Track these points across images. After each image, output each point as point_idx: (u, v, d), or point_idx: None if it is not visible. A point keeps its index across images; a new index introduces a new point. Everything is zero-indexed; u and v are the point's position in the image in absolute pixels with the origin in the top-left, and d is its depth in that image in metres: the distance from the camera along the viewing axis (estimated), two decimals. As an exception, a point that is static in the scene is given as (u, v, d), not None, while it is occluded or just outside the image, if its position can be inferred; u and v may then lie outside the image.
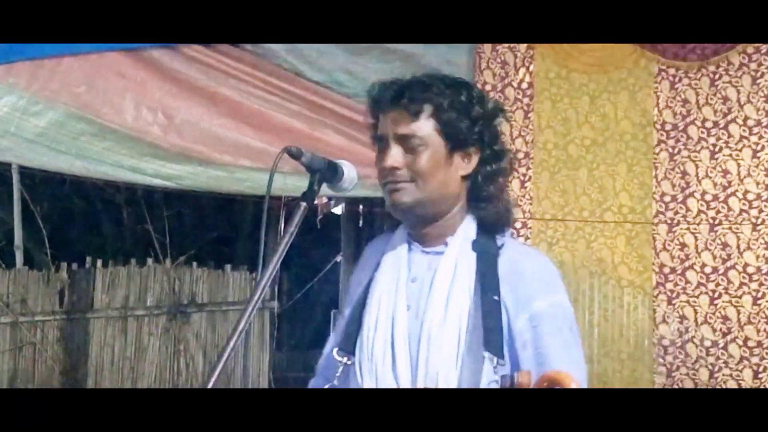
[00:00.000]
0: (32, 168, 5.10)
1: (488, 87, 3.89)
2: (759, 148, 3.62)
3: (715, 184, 3.65)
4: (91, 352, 6.64)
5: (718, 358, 3.56)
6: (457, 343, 1.65)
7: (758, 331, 3.53)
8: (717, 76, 3.69)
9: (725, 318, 3.57)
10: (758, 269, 3.57)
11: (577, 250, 3.76)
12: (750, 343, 3.53)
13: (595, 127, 3.81)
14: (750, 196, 3.61)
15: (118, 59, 3.81)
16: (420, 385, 1.69)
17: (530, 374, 1.34)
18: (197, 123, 3.93)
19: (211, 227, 10.92)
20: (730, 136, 3.66)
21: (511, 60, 3.89)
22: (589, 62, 3.82)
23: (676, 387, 3.59)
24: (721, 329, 3.57)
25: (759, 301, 3.55)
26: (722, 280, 3.59)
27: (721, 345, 3.57)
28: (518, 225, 3.80)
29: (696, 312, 3.61)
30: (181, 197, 9.03)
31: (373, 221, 7.75)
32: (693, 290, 3.63)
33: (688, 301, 3.62)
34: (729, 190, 3.63)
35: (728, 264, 3.60)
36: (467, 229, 1.75)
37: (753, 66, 3.65)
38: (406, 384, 1.71)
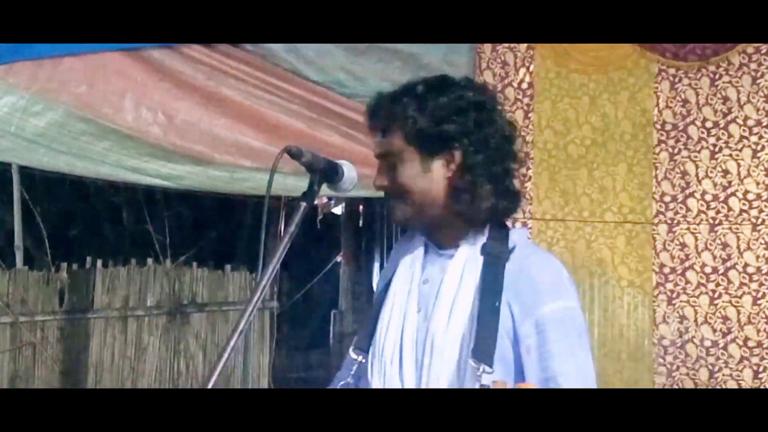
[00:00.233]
0: (32, 168, 5.10)
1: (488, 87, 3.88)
2: (759, 148, 3.63)
3: (715, 184, 3.65)
4: (91, 352, 6.63)
5: (718, 358, 3.56)
6: (459, 349, 1.64)
7: (758, 331, 3.53)
8: (717, 76, 3.69)
9: (725, 318, 3.57)
10: (758, 269, 3.57)
11: (577, 250, 3.76)
12: (750, 343, 3.53)
13: (595, 127, 3.81)
14: (750, 196, 3.61)
15: (118, 59, 3.81)
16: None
17: (505, 384, 1.35)
18: (197, 123, 3.92)
19: (211, 227, 10.92)
20: (730, 136, 3.66)
21: (511, 60, 3.89)
22: (589, 62, 3.81)
23: (676, 387, 3.59)
24: (721, 329, 3.57)
25: (759, 301, 3.55)
26: (722, 280, 3.59)
27: (721, 345, 3.57)
28: (518, 225, 3.80)
29: (696, 312, 3.61)
30: (181, 197, 9.04)
31: (373, 221, 7.75)
32: (693, 290, 3.63)
33: (688, 301, 3.62)
34: (729, 190, 3.64)
35: (728, 264, 3.60)
36: (478, 232, 1.72)
37: (753, 66, 3.65)
38: (411, 387, 1.71)
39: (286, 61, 3.90)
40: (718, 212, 3.63)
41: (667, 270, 3.67)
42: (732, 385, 3.53)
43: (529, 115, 3.85)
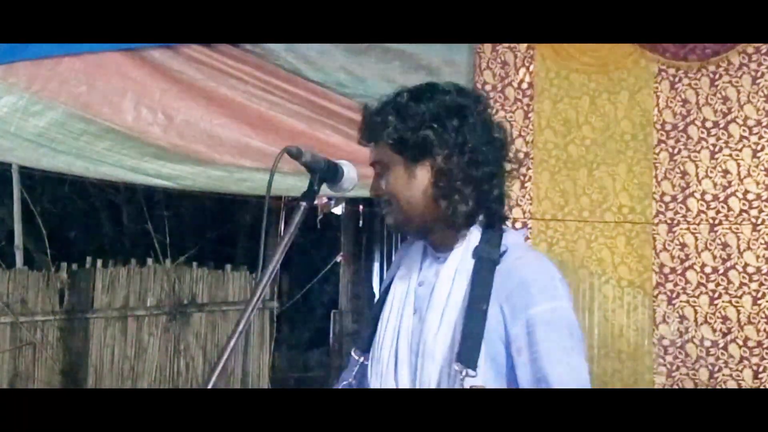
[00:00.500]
0: (32, 168, 5.10)
1: (488, 87, 3.89)
2: (759, 148, 3.63)
3: (715, 184, 3.65)
4: (91, 352, 6.64)
5: (718, 358, 3.56)
6: (447, 352, 1.65)
7: (758, 331, 3.53)
8: (717, 76, 3.69)
9: (725, 318, 3.57)
10: (758, 269, 3.57)
11: (577, 250, 3.76)
12: (750, 343, 3.53)
13: (595, 127, 3.81)
14: (750, 196, 3.61)
15: (118, 59, 3.81)
16: None
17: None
18: (197, 123, 3.92)
19: (211, 227, 10.93)
20: (730, 136, 3.66)
21: (511, 60, 3.89)
22: (589, 62, 3.81)
23: (676, 387, 3.59)
24: (721, 329, 3.57)
25: (759, 301, 3.55)
26: (722, 280, 3.59)
27: (721, 345, 3.57)
28: (518, 225, 3.80)
29: (696, 312, 3.61)
30: (181, 197, 9.03)
31: (373, 221, 7.75)
32: (693, 290, 3.63)
33: (688, 301, 3.62)
34: (729, 190, 3.64)
35: (728, 264, 3.60)
36: (472, 235, 1.74)
37: (753, 66, 3.65)
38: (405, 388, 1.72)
39: (286, 61, 3.90)
40: (718, 212, 3.63)
41: (667, 270, 3.67)
42: (732, 385, 3.53)
43: (529, 115, 3.85)
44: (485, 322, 1.63)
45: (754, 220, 3.60)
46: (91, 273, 6.78)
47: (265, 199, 1.66)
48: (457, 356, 1.61)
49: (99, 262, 6.82)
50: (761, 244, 3.58)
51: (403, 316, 1.76)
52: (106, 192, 9.84)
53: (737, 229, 3.61)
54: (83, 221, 10.60)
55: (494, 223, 1.75)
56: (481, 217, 1.74)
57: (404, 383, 1.72)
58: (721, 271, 3.61)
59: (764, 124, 3.63)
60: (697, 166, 3.68)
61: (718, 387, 3.53)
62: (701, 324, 3.60)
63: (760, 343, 3.53)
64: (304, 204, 1.65)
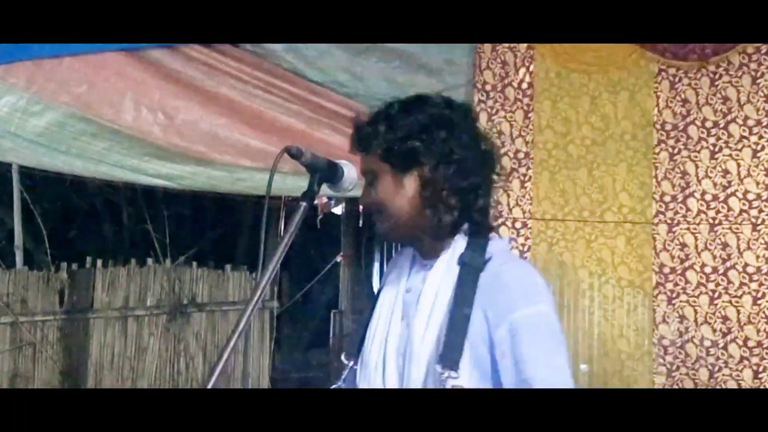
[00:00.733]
0: (32, 168, 5.10)
1: (488, 87, 3.89)
2: (759, 148, 3.62)
3: (715, 184, 3.65)
4: (91, 352, 6.63)
5: (718, 358, 3.56)
6: (430, 355, 1.68)
7: (758, 331, 3.53)
8: (717, 76, 3.69)
9: (725, 318, 3.57)
10: (758, 269, 3.57)
11: (577, 250, 3.76)
12: (750, 343, 3.53)
13: (595, 127, 3.81)
14: (750, 196, 3.61)
15: (118, 59, 3.81)
16: None
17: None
18: (197, 123, 3.92)
19: (211, 227, 10.93)
20: (730, 136, 3.66)
21: (511, 60, 3.89)
22: (589, 62, 3.81)
23: (676, 387, 3.59)
24: (721, 329, 3.57)
25: (759, 301, 3.55)
26: (722, 280, 3.59)
27: (721, 345, 3.57)
28: (518, 225, 3.80)
29: (696, 312, 3.61)
30: (181, 197, 9.03)
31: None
32: (693, 290, 3.63)
33: (688, 301, 3.62)
34: (729, 190, 3.63)
35: (728, 264, 3.60)
36: (457, 243, 1.78)
37: (753, 66, 3.65)
38: None
39: (286, 61, 3.90)
40: (718, 212, 3.63)
41: (667, 270, 3.67)
42: (732, 385, 3.52)
43: (529, 115, 3.85)
44: (468, 326, 1.66)
45: (754, 220, 3.60)
46: (91, 273, 6.78)
47: (265, 199, 1.67)
48: (439, 358, 1.64)
49: (99, 262, 6.82)
50: (761, 244, 3.57)
51: (391, 322, 1.79)
52: (106, 192, 9.84)
53: (737, 229, 3.61)
54: (83, 221, 10.60)
55: (479, 232, 1.79)
56: (465, 227, 1.78)
57: (391, 387, 1.75)
58: (721, 271, 3.61)
59: (764, 124, 3.63)
60: (697, 166, 3.68)
61: (718, 387, 3.53)
62: (701, 324, 3.60)
63: (760, 343, 3.53)
64: (304, 204, 1.66)
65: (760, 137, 3.63)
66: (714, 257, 3.62)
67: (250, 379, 6.74)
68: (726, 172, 3.64)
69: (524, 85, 3.88)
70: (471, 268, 1.72)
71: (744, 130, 3.64)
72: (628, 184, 3.74)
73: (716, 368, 3.56)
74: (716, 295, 3.60)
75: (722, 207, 3.63)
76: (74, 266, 6.87)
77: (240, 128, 3.95)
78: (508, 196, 3.82)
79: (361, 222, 7.90)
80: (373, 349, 1.80)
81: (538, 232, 3.80)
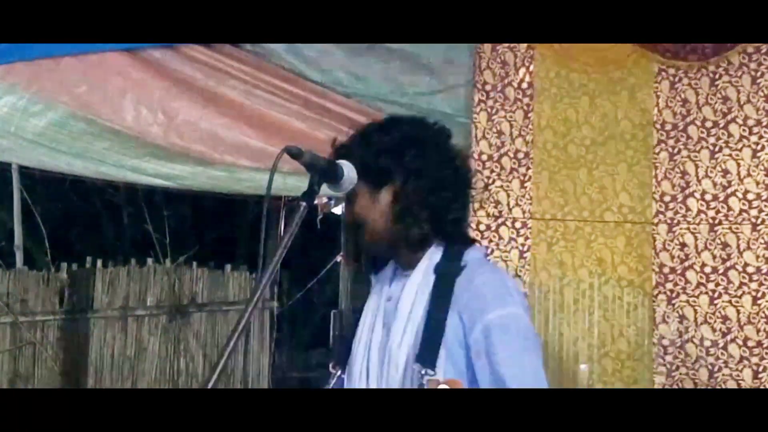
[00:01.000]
0: (32, 168, 5.10)
1: (488, 87, 3.89)
2: (759, 148, 3.62)
3: (715, 184, 3.65)
4: (91, 352, 6.64)
5: (717, 358, 3.56)
6: (407, 356, 1.77)
7: (758, 331, 3.53)
8: (717, 76, 3.69)
9: (725, 318, 3.57)
10: (758, 269, 3.57)
11: (577, 250, 3.75)
12: (750, 343, 3.53)
13: (595, 127, 3.80)
14: (750, 196, 3.61)
15: (118, 59, 3.81)
16: None
17: (437, 382, 1.49)
18: (197, 123, 3.92)
19: (211, 227, 10.92)
20: (730, 136, 3.66)
21: (511, 60, 3.89)
22: (589, 62, 3.81)
23: (675, 387, 3.59)
24: (721, 329, 3.57)
25: (759, 301, 3.54)
26: (722, 280, 3.59)
27: (720, 345, 3.56)
28: (518, 225, 3.80)
29: (696, 312, 3.61)
30: (181, 197, 9.03)
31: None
32: (693, 290, 3.62)
33: (687, 301, 3.62)
34: (729, 190, 3.63)
35: (728, 264, 3.60)
36: (433, 253, 1.86)
37: (753, 66, 3.65)
38: None
39: (286, 61, 3.90)
40: (718, 212, 3.63)
41: (666, 270, 3.66)
42: (732, 385, 3.52)
43: (529, 115, 3.85)
44: (445, 328, 1.75)
45: (754, 220, 3.59)
46: (91, 273, 6.79)
47: (265, 199, 1.67)
48: (417, 357, 1.72)
49: (99, 262, 6.82)
50: (761, 244, 3.57)
51: (374, 331, 1.88)
52: (106, 192, 9.83)
53: (737, 229, 3.61)
54: (83, 221, 10.60)
55: (454, 244, 1.88)
56: (438, 239, 1.87)
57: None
58: (721, 271, 3.60)
59: (764, 124, 3.63)
60: (697, 166, 3.68)
61: (718, 387, 3.53)
62: (701, 324, 3.60)
63: (760, 343, 3.52)
64: (304, 204, 1.66)
65: (760, 137, 3.62)
66: (714, 257, 3.62)
67: (250, 379, 6.74)
68: (726, 172, 3.64)
69: (524, 85, 3.88)
70: (447, 276, 1.81)
71: (744, 130, 3.64)
72: (628, 184, 3.74)
73: (716, 368, 3.55)
74: (716, 295, 3.60)
75: (722, 207, 3.63)
76: (74, 266, 6.87)
77: (240, 128, 3.95)
78: (508, 196, 3.82)
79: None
80: (357, 357, 1.89)
81: (538, 231, 3.80)
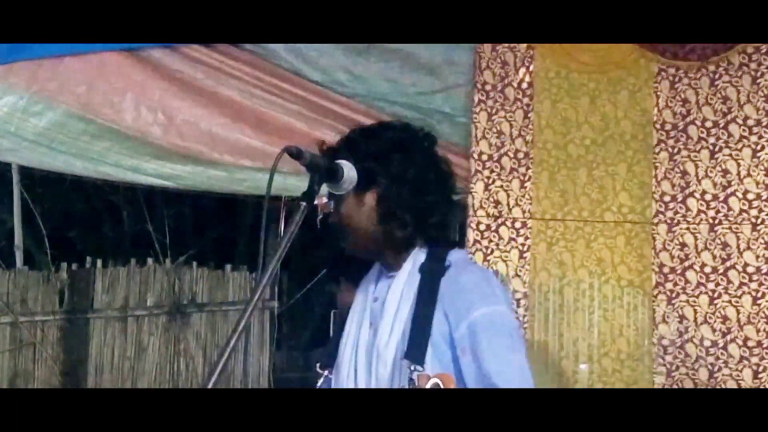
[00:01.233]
0: (32, 168, 5.10)
1: (488, 87, 3.89)
2: (759, 148, 3.62)
3: (715, 184, 3.65)
4: (91, 352, 6.64)
5: (717, 358, 3.56)
6: (395, 354, 1.80)
7: (758, 331, 3.53)
8: (717, 76, 3.69)
9: (725, 318, 3.57)
10: (758, 269, 3.57)
11: (577, 250, 3.75)
12: (750, 343, 3.53)
13: (595, 127, 3.80)
14: (750, 196, 3.61)
15: (118, 59, 3.81)
16: None
17: (428, 377, 1.50)
18: (197, 123, 3.93)
19: (211, 227, 10.91)
20: (730, 135, 3.66)
21: (511, 60, 3.89)
22: (589, 62, 3.81)
23: (675, 387, 3.59)
24: (720, 329, 3.57)
25: (759, 301, 3.54)
26: (722, 279, 3.59)
27: (720, 345, 3.56)
28: (518, 225, 3.80)
29: (696, 312, 3.61)
30: (181, 197, 9.02)
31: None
32: (693, 290, 3.62)
33: (687, 301, 3.62)
34: (729, 190, 3.63)
35: (728, 264, 3.60)
36: (418, 255, 1.90)
37: (753, 66, 3.65)
38: None
39: (286, 61, 3.90)
40: (717, 212, 3.63)
41: (666, 270, 3.66)
42: (732, 385, 3.52)
43: (529, 115, 3.85)
44: (431, 325, 1.78)
45: (754, 220, 3.59)
46: (91, 273, 6.78)
47: (265, 199, 1.67)
48: (405, 354, 1.76)
49: (99, 262, 6.82)
50: (761, 243, 3.57)
51: (360, 331, 1.92)
52: (106, 192, 9.82)
53: (737, 228, 3.61)
54: (83, 221, 10.58)
55: (438, 246, 1.91)
56: (421, 241, 1.90)
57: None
58: (720, 271, 3.60)
59: (764, 124, 3.63)
60: (696, 166, 3.68)
61: (717, 387, 3.53)
62: (701, 324, 3.60)
63: (760, 343, 3.52)
64: (304, 204, 1.67)
65: (760, 137, 3.62)
66: (714, 257, 3.62)
67: (250, 379, 6.74)
68: (726, 171, 3.64)
69: (524, 85, 3.87)
70: (432, 275, 1.84)
71: (744, 130, 3.64)
72: (628, 183, 3.74)
73: (716, 368, 3.55)
74: (716, 295, 3.60)
75: (722, 207, 3.63)
76: (74, 266, 6.87)
77: (240, 128, 3.95)
78: (508, 196, 3.82)
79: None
80: (345, 357, 1.92)
81: (537, 231, 3.80)
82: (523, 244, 3.79)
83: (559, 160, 3.81)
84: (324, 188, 1.79)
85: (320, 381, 2.02)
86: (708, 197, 3.65)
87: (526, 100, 3.86)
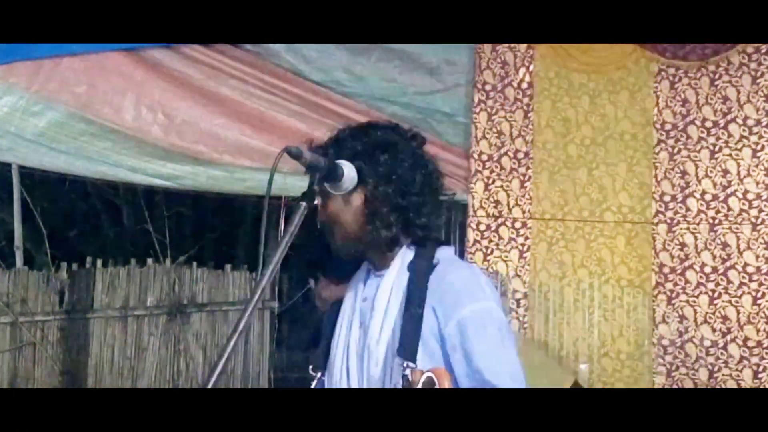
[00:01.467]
0: (32, 168, 5.10)
1: (488, 87, 3.89)
2: (759, 147, 3.63)
3: (714, 184, 3.65)
4: (91, 352, 6.63)
5: (717, 358, 3.56)
6: (386, 351, 1.80)
7: (758, 331, 3.53)
8: (717, 76, 3.69)
9: (725, 318, 3.57)
10: (758, 269, 3.57)
11: (577, 250, 3.76)
12: (750, 343, 3.54)
13: (595, 127, 3.81)
14: (750, 196, 3.61)
15: (118, 59, 3.81)
16: None
17: (421, 372, 1.50)
18: (197, 123, 3.93)
19: (211, 227, 10.91)
20: (730, 135, 3.66)
21: (511, 60, 3.89)
22: (589, 62, 3.82)
23: (675, 387, 3.59)
24: (720, 329, 3.57)
25: (759, 301, 3.55)
26: (722, 279, 3.60)
27: (720, 345, 3.57)
28: (518, 225, 3.80)
29: (696, 312, 3.61)
30: (181, 197, 9.02)
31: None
32: (693, 290, 3.63)
33: (687, 301, 3.62)
34: (729, 190, 3.64)
35: (728, 264, 3.60)
36: (406, 253, 1.89)
37: (753, 66, 3.65)
38: None
39: (286, 61, 3.91)
40: (717, 212, 3.63)
41: (666, 270, 3.67)
42: (732, 385, 3.53)
43: (529, 114, 3.85)
44: (421, 322, 1.79)
45: (753, 220, 3.60)
46: (91, 273, 6.77)
47: (265, 199, 1.67)
48: (397, 351, 1.76)
49: (99, 262, 6.81)
50: (761, 243, 3.58)
51: (351, 331, 1.91)
52: (106, 192, 9.83)
53: (737, 228, 3.61)
54: (83, 221, 10.59)
55: (425, 245, 1.90)
56: (407, 241, 1.90)
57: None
58: (720, 271, 3.61)
59: (764, 123, 3.63)
60: (696, 166, 3.68)
61: (717, 387, 3.54)
62: (701, 324, 3.60)
63: (759, 343, 3.53)
64: (304, 204, 1.67)
65: (760, 137, 3.63)
66: (714, 257, 3.62)
67: (250, 379, 6.74)
68: (726, 171, 3.65)
69: (524, 85, 3.88)
70: (420, 272, 1.84)
71: (744, 130, 3.64)
72: (628, 183, 3.74)
73: (716, 368, 3.56)
74: (716, 294, 3.60)
75: (722, 207, 3.63)
76: (74, 266, 6.87)
77: (240, 128, 3.95)
78: (508, 196, 3.82)
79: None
80: (337, 358, 1.92)
81: (537, 231, 3.80)
82: (523, 244, 3.79)
83: (559, 160, 3.81)
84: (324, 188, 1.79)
85: (314, 383, 2.01)
86: (708, 197, 3.65)
87: (526, 100, 3.87)
